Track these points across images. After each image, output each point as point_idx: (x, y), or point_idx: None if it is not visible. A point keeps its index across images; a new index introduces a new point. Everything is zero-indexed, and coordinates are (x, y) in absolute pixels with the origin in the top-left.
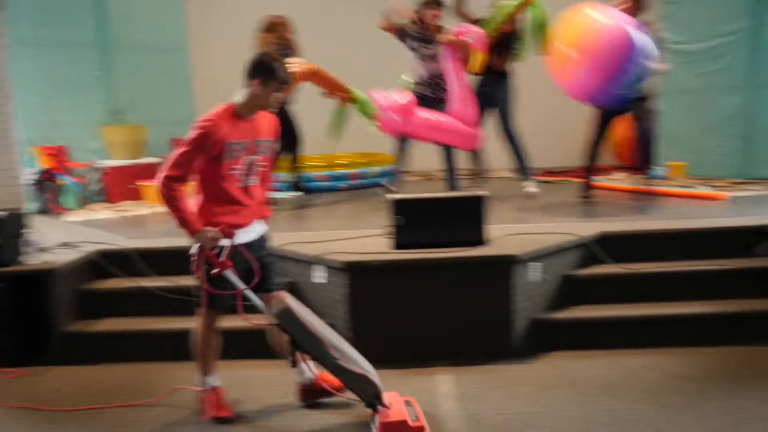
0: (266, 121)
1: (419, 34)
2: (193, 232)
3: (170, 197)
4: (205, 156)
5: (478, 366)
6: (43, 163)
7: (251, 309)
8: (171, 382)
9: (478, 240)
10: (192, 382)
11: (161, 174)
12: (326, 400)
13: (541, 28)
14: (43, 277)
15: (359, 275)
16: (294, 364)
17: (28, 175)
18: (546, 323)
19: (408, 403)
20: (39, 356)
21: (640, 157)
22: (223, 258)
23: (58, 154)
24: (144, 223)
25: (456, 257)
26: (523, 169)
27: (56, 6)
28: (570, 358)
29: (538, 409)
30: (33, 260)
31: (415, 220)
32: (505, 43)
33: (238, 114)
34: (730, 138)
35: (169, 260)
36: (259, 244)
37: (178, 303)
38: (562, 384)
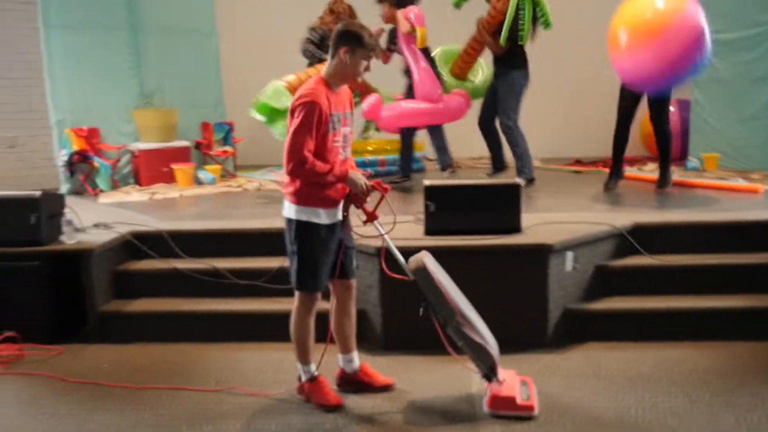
0: (347, 93)
1: (391, 37)
2: (345, 177)
3: (307, 175)
4: (315, 132)
5: (511, 355)
6: (76, 145)
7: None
8: (204, 364)
9: (513, 228)
10: (232, 366)
11: (288, 166)
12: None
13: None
14: (80, 257)
15: (390, 260)
16: (425, 317)
17: (62, 156)
18: (579, 313)
19: (524, 383)
20: (76, 334)
21: (662, 160)
22: (373, 209)
23: (90, 136)
24: (174, 206)
25: (490, 245)
26: (500, 167)
27: None
28: (602, 349)
29: (569, 399)
30: (69, 240)
31: (446, 207)
32: (499, 28)
33: (329, 85)
34: (766, 129)
35: (200, 242)
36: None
37: (209, 284)
38: (593, 375)
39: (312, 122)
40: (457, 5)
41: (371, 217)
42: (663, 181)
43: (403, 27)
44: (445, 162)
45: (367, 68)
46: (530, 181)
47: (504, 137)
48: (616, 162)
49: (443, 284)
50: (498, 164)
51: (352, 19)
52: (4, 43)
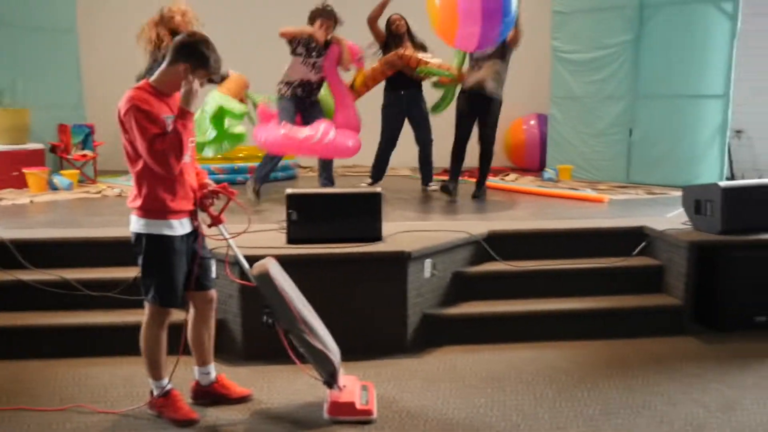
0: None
1: (307, 44)
2: (188, 112)
3: (165, 152)
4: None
5: (372, 360)
6: None
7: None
8: (50, 382)
9: (374, 236)
10: (80, 383)
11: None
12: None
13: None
14: None
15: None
16: (267, 324)
17: None
18: (437, 318)
19: (364, 388)
20: None
21: (480, 175)
22: (218, 213)
23: None
24: (24, 212)
25: (350, 252)
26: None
27: None
28: (458, 352)
29: (424, 401)
30: None
31: (309, 215)
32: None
33: (158, 92)
34: (614, 144)
35: (50, 252)
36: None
37: (59, 297)
38: (448, 377)
39: (143, 123)
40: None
41: (216, 221)
42: (481, 191)
43: (345, 58)
44: (329, 180)
45: (201, 84)
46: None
47: (428, 151)
48: (456, 174)
49: (286, 291)
50: (427, 180)
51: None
52: None
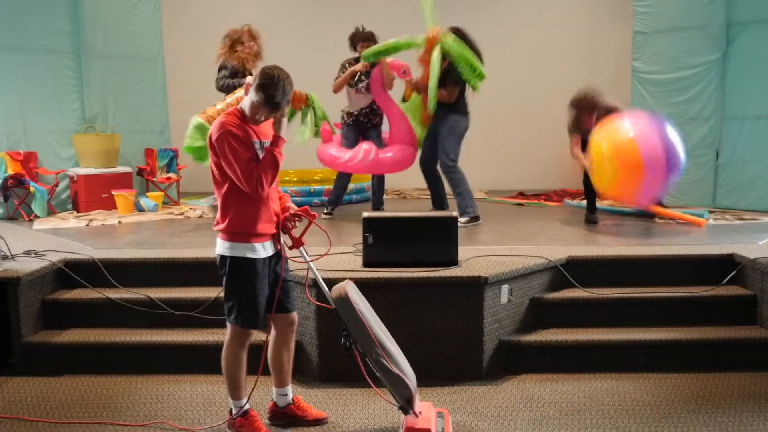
0: (270, 123)
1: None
2: (281, 139)
3: (259, 180)
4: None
5: (446, 387)
6: (11, 169)
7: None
8: (133, 398)
9: (450, 261)
10: (162, 400)
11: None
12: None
13: (463, 61)
14: (7, 285)
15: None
16: (346, 347)
17: None
18: (514, 345)
19: (440, 415)
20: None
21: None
22: (299, 236)
23: (27, 160)
24: (112, 233)
25: (426, 277)
26: (457, 204)
27: (31, 11)
28: (535, 381)
29: (500, 431)
30: None
31: (385, 239)
32: (445, 76)
33: (245, 118)
34: (699, 166)
35: (136, 271)
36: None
37: (144, 315)
38: (526, 407)
39: (236, 147)
40: (367, 59)
41: (297, 243)
42: (594, 215)
43: (387, 76)
44: (379, 202)
45: (267, 119)
46: (474, 219)
47: (445, 177)
48: (591, 200)
49: (364, 314)
50: (438, 205)
51: (252, 40)
52: None
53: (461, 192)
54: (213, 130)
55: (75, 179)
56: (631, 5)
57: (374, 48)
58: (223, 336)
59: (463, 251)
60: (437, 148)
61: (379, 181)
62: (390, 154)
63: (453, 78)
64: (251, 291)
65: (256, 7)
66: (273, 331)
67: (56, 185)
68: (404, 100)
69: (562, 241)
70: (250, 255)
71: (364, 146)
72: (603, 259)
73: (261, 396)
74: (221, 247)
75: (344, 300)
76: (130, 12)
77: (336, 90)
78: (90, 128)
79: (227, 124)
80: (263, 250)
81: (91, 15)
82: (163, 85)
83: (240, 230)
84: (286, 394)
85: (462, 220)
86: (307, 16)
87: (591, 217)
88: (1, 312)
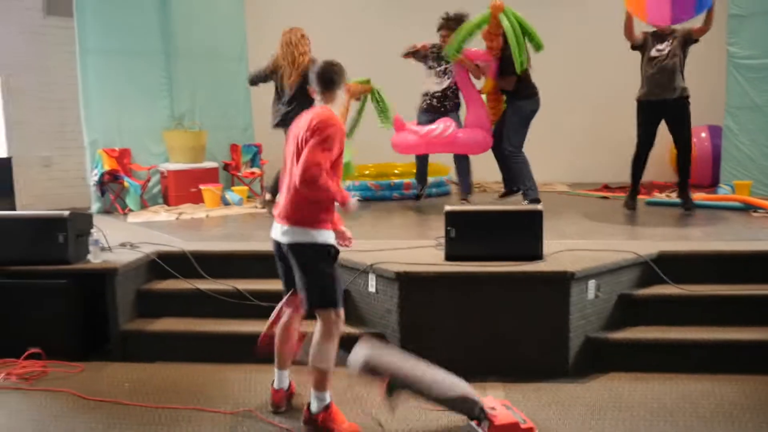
0: None
1: (436, 54)
2: (347, 199)
3: (319, 189)
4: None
5: (531, 383)
6: (108, 165)
7: None
8: (223, 385)
9: (534, 255)
10: (250, 388)
11: (304, 176)
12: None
13: (521, 35)
14: (105, 276)
15: (410, 286)
16: (394, 395)
17: (93, 176)
18: (601, 343)
19: (508, 407)
20: (98, 352)
21: (681, 187)
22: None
23: (121, 156)
24: (201, 226)
25: (511, 272)
26: (511, 189)
27: (121, 15)
28: (625, 380)
29: (589, 431)
30: (95, 259)
31: (467, 233)
32: (502, 63)
33: None
34: None
35: (224, 263)
36: None
37: (231, 305)
38: (614, 407)
39: (333, 145)
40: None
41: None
42: (688, 202)
43: (473, 69)
44: (466, 189)
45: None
46: (535, 201)
47: (508, 161)
48: (636, 184)
49: (394, 363)
50: (509, 186)
51: (303, 45)
52: (42, 67)
53: (524, 176)
54: (325, 116)
55: (165, 174)
56: None
57: (451, 45)
58: (308, 327)
59: (548, 245)
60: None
61: (460, 165)
62: (466, 135)
63: (507, 66)
64: (336, 273)
65: (335, 5)
66: (292, 314)
67: (148, 180)
68: (482, 91)
69: (651, 236)
70: (330, 241)
71: (443, 123)
72: (696, 255)
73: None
74: (303, 235)
75: (367, 367)
76: (215, 12)
77: (404, 55)
78: (179, 125)
79: (338, 120)
80: (332, 237)
81: (179, 19)
82: (246, 82)
83: (321, 219)
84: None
85: (524, 203)
86: (384, 14)
87: (630, 203)
88: (99, 300)
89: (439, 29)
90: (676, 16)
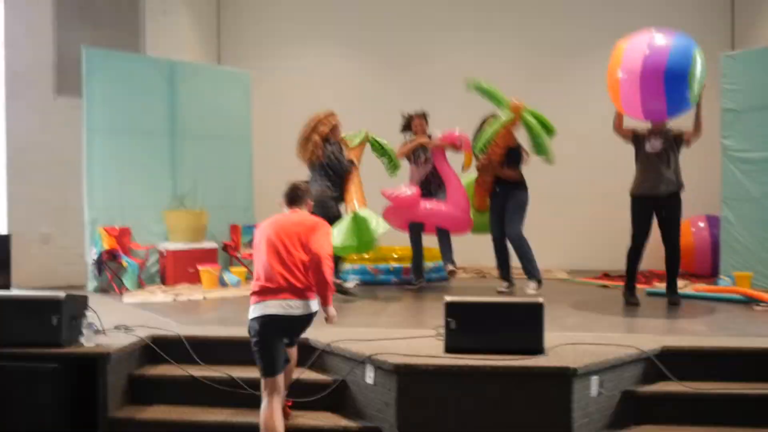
0: None
1: (423, 149)
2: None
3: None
4: None
5: None
6: (107, 244)
7: None
8: None
9: (535, 349)
10: None
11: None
12: None
13: (541, 134)
14: (98, 360)
15: (409, 379)
16: None
17: (92, 254)
18: None
19: None
20: None
21: (673, 275)
22: None
23: (121, 235)
24: (197, 308)
25: (512, 366)
26: (526, 271)
27: (129, 96)
28: None
29: None
30: (88, 343)
31: (468, 324)
32: (509, 155)
33: None
34: None
35: (219, 349)
36: None
37: (225, 394)
38: None
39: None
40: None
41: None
42: (674, 296)
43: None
44: (448, 258)
45: None
46: (540, 282)
47: (514, 247)
48: (632, 279)
49: None
50: (511, 278)
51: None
52: (47, 145)
53: (531, 258)
54: (318, 221)
55: (164, 254)
56: (719, 83)
57: (483, 84)
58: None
59: (549, 338)
60: (502, 222)
61: (442, 239)
62: (447, 208)
63: (515, 158)
64: None
65: (333, 90)
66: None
67: (146, 259)
68: (463, 168)
69: (653, 328)
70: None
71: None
72: (701, 351)
73: None
74: (314, 305)
75: None
76: (221, 96)
77: (399, 155)
78: (180, 205)
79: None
80: None
81: (185, 101)
82: (249, 164)
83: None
84: None
85: (532, 285)
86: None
87: (631, 299)
88: (90, 385)
89: (412, 120)
90: (648, 113)
